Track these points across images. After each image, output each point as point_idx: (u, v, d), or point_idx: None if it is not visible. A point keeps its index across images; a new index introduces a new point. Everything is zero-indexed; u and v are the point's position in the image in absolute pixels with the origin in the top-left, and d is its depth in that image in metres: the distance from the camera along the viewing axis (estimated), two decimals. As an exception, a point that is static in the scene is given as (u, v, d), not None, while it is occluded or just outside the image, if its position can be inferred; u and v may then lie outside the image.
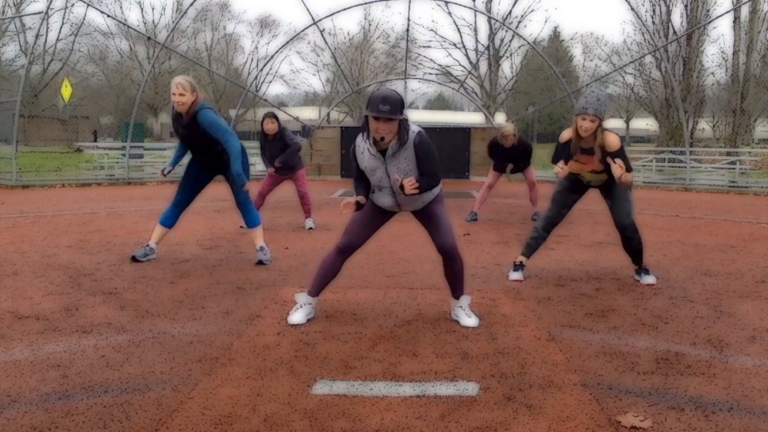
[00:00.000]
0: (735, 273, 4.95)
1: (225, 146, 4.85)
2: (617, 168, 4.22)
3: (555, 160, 4.51)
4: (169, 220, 5.25)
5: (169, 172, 5.24)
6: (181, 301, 4.00)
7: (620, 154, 4.28)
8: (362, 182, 3.55)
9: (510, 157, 7.89)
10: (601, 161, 4.35)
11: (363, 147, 3.40)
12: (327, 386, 2.68)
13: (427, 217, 3.60)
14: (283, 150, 7.02)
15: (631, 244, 4.61)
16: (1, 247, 5.76)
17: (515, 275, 4.70)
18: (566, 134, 4.41)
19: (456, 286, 3.67)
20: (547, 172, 18.48)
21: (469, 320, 3.58)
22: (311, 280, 3.69)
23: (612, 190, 4.56)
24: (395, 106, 3.15)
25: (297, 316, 3.58)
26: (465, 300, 3.68)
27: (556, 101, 26.64)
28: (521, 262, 4.77)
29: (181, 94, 4.73)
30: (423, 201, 3.53)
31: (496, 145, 7.90)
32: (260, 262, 5.16)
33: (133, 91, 31.06)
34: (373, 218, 3.63)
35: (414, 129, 3.36)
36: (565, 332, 3.45)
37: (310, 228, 7.17)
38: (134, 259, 5.16)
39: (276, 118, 6.98)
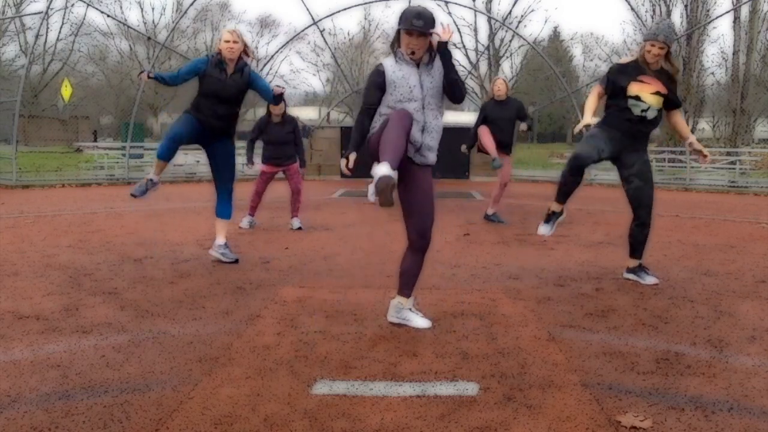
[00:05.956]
0: (735, 273, 4.95)
1: (264, 91, 5.12)
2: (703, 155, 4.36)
3: (608, 89, 4.29)
4: (166, 154, 4.89)
5: (150, 76, 4.83)
6: (181, 301, 3.99)
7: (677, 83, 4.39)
8: (369, 120, 3.31)
9: (506, 115, 7.38)
10: (665, 85, 4.27)
11: (392, 61, 3.27)
12: (327, 386, 2.68)
13: (418, 185, 3.35)
14: (287, 135, 6.96)
15: (644, 232, 4.41)
16: (1, 247, 5.76)
17: (544, 229, 4.41)
18: (625, 59, 4.37)
19: (413, 282, 3.50)
20: (547, 171, 18.48)
21: (422, 321, 3.46)
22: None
23: (640, 159, 4.35)
24: (429, 21, 3.17)
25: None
26: (411, 300, 3.53)
27: (556, 101, 26.68)
28: (554, 211, 4.41)
29: (235, 41, 4.86)
30: (434, 153, 3.39)
31: (489, 104, 7.51)
32: (218, 261, 5.11)
33: (133, 91, 31.02)
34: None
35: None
36: (565, 332, 3.45)
37: (299, 228, 7.05)
38: (133, 196, 4.94)
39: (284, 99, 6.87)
